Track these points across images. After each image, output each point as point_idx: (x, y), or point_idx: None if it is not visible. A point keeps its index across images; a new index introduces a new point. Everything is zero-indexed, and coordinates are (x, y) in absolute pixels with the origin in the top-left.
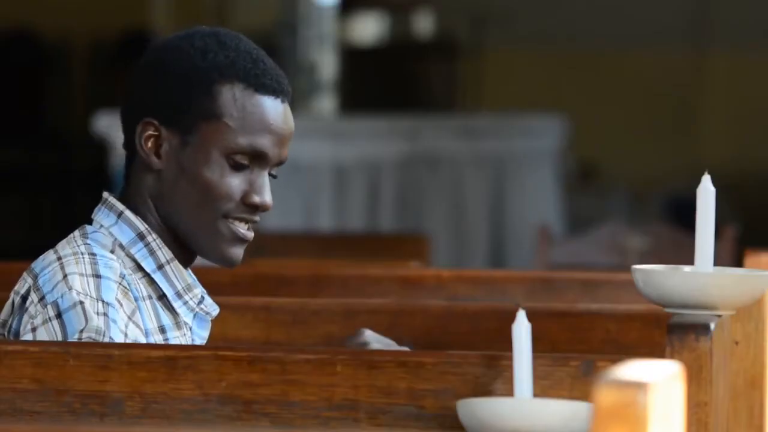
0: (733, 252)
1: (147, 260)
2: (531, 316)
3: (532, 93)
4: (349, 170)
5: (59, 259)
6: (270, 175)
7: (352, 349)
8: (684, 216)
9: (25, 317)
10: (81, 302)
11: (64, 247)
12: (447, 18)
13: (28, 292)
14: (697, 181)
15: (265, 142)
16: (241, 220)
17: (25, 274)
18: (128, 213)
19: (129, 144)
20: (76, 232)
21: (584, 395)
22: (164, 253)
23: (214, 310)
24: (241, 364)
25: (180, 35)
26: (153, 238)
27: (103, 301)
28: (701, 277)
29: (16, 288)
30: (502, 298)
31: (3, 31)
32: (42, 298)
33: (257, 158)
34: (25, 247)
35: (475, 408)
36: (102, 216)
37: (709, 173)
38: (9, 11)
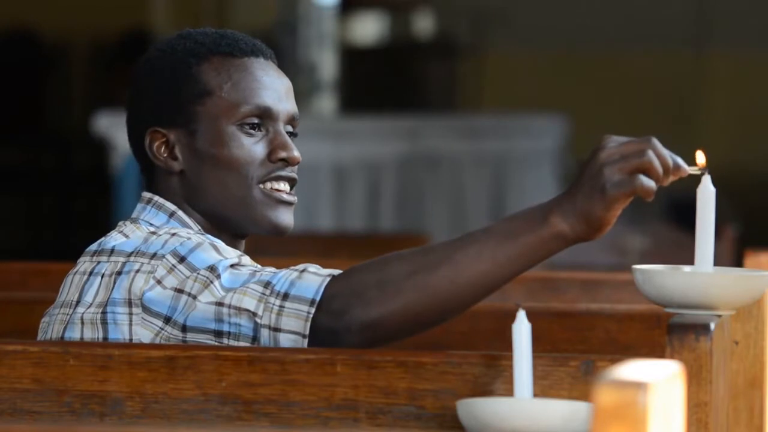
0: (733, 252)
1: None
2: (531, 316)
3: (532, 93)
4: (349, 170)
5: (152, 233)
6: (290, 134)
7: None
8: (684, 216)
9: (139, 278)
10: (201, 243)
11: (134, 230)
12: (447, 18)
13: (122, 268)
14: (697, 181)
15: (265, 98)
16: (276, 179)
17: (97, 258)
18: (181, 213)
19: (144, 159)
20: (130, 225)
21: (584, 395)
22: None
23: None
24: (241, 364)
25: (151, 47)
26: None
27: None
28: (701, 277)
29: (83, 269)
30: (502, 298)
31: (3, 31)
32: (154, 255)
33: (266, 117)
34: (25, 247)
35: (474, 408)
36: (150, 215)
37: (709, 173)
38: (9, 11)
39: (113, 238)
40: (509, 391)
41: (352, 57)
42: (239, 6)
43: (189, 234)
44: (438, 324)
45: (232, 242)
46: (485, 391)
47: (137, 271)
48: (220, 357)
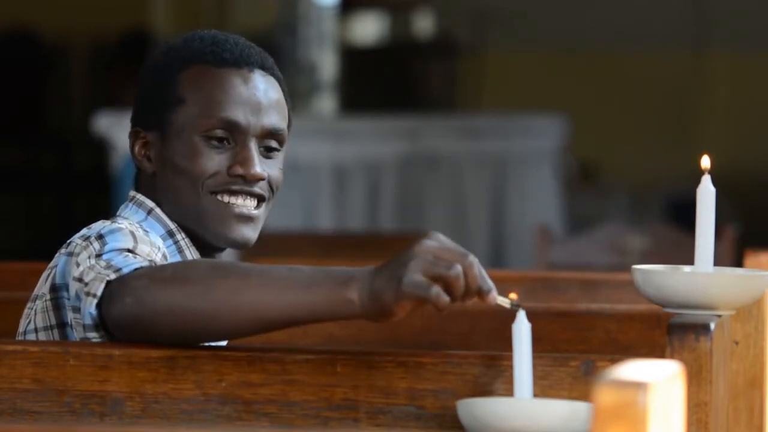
0: (733, 252)
1: (175, 258)
2: (531, 316)
3: (532, 93)
4: (349, 170)
5: (102, 223)
6: (271, 149)
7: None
8: (684, 216)
9: (72, 260)
10: (122, 228)
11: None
12: (447, 18)
13: (66, 252)
14: (697, 181)
15: (235, 113)
16: (230, 193)
17: (57, 256)
18: (158, 210)
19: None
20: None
21: (584, 395)
22: (192, 253)
23: None
24: (241, 364)
25: (157, 46)
26: (182, 237)
27: (152, 242)
28: (701, 277)
29: (50, 264)
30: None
31: (3, 31)
32: (87, 238)
33: (233, 130)
34: (25, 247)
35: (474, 408)
36: (130, 212)
37: (709, 173)
38: (9, 11)
39: (79, 232)
40: (509, 391)
41: (352, 57)
42: (239, 6)
43: (125, 222)
44: (203, 337)
45: (204, 256)
46: (485, 391)
47: (71, 253)
48: (220, 357)
